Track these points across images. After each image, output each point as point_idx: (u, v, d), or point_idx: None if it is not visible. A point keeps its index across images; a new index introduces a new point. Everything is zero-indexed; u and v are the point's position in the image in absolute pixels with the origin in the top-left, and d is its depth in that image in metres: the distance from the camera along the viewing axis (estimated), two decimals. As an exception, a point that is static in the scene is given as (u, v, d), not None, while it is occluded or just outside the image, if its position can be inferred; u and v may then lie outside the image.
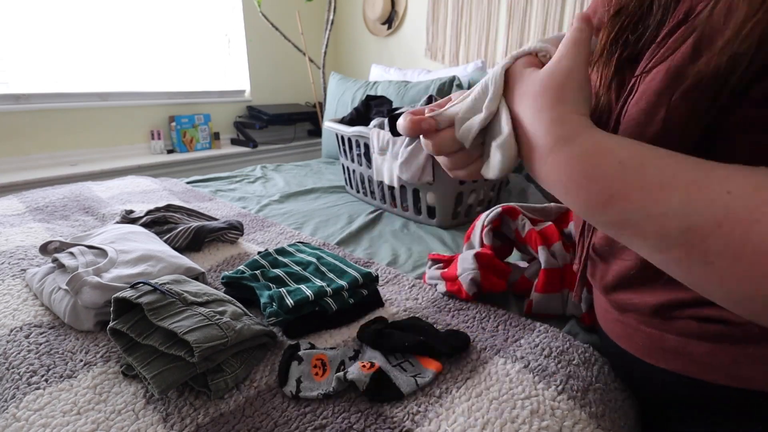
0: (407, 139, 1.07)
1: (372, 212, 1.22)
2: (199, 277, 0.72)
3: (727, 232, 0.25)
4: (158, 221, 0.93)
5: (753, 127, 0.31)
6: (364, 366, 0.52)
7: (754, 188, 0.26)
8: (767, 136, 0.31)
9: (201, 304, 0.56)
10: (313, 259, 0.74)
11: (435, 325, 0.63)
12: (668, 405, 0.51)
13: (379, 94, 1.78)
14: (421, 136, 0.41)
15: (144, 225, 0.90)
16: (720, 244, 0.26)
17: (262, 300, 0.64)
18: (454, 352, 0.56)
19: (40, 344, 0.58)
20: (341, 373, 0.51)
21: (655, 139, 0.35)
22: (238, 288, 0.70)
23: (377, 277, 0.72)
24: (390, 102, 1.44)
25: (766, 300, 0.25)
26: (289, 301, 0.62)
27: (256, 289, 0.67)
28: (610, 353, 0.58)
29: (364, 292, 0.68)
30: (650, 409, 0.55)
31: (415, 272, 0.86)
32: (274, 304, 0.62)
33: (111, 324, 0.55)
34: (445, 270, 0.74)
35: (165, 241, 0.84)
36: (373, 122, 1.21)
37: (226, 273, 0.73)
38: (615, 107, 0.41)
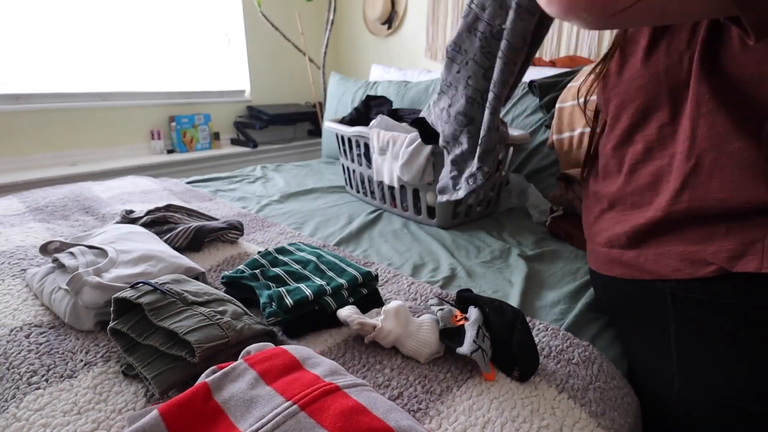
0: (408, 140, 1.07)
1: (372, 212, 1.22)
2: (199, 277, 0.72)
3: None
4: (158, 221, 0.93)
5: None
6: (455, 316, 0.59)
7: None
8: None
9: (201, 304, 0.56)
10: (313, 258, 0.74)
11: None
12: (617, 307, 0.68)
13: (379, 94, 1.78)
14: None
15: (144, 225, 0.90)
16: None
17: (262, 300, 0.64)
18: (521, 378, 0.55)
19: (41, 344, 0.58)
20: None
21: None
22: (238, 287, 0.70)
23: (377, 275, 0.72)
24: (390, 102, 1.44)
25: None
26: (289, 300, 0.62)
27: (256, 289, 0.67)
28: (592, 279, 0.76)
29: (364, 291, 0.68)
30: (613, 317, 0.71)
31: (415, 272, 0.86)
32: (273, 303, 0.62)
33: (111, 324, 0.55)
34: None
35: (165, 241, 0.84)
36: (373, 122, 1.21)
37: (226, 273, 0.73)
38: None
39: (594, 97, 0.74)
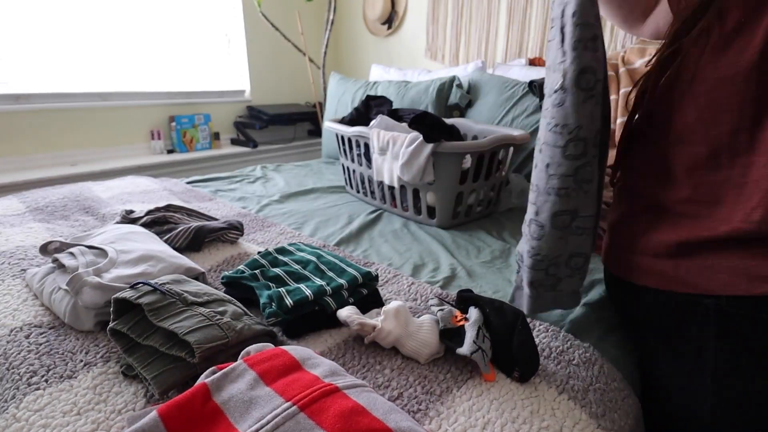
0: (408, 139, 1.07)
1: (372, 212, 1.22)
2: (199, 277, 0.72)
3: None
4: (158, 221, 0.93)
5: None
6: (455, 317, 0.59)
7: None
8: None
9: (201, 304, 0.56)
10: (313, 258, 0.74)
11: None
12: (641, 317, 0.64)
13: (379, 94, 1.78)
14: None
15: (144, 225, 0.90)
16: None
17: (262, 300, 0.64)
18: (521, 378, 0.54)
19: (40, 344, 0.58)
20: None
21: None
22: (238, 288, 0.70)
23: (377, 276, 0.72)
24: (390, 102, 1.44)
25: None
26: (289, 300, 0.62)
27: (256, 289, 0.67)
28: (611, 283, 0.71)
29: (364, 292, 0.68)
30: (632, 325, 0.67)
31: (415, 272, 0.86)
32: (273, 304, 0.62)
33: (111, 324, 0.55)
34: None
35: (165, 241, 0.84)
36: (373, 122, 1.21)
37: (226, 273, 0.73)
38: None
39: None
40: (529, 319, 0.67)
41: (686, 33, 0.52)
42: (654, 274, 0.58)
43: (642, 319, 0.63)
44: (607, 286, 0.74)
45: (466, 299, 0.63)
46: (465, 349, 0.53)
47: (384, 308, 0.59)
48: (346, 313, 0.60)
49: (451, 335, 0.57)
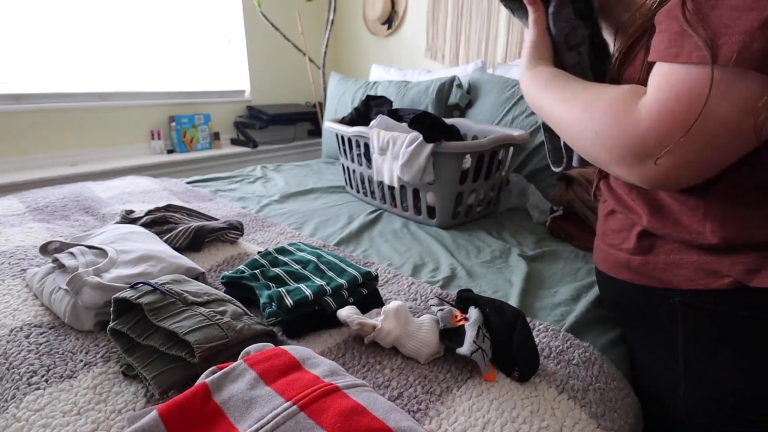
0: (408, 139, 1.07)
1: (372, 212, 1.22)
2: (199, 277, 0.72)
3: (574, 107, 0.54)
4: (158, 221, 0.93)
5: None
6: (455, 317, 0.59)
7: (591, 93, 0.53)
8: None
9: (201, 304, 0.56)
10: (313, 258, 0.74)
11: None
12: (623, 310, 0.68)
13: (379, 94, 1.78)
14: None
15: (144, 225, 0.90)
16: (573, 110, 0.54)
17: (262, 300, 0.64)
18: (521, 378, 0.55)
19: (40, 344, 0.58)
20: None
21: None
22: (238, 287, 0.70)
23: (377, 276, 0.72)
24: (390, 102, 1.44)
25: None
26: (289, 300, 0.62)
27: (256, 289, 0.67)
28: (598, 278, 0.75)
29: (364, 292, 0.68)
30: (617, 318, 0.72)
31: (415, 272, 0.86)
32: (273, 304, 0.62)
33: (111, 324, 0.55)
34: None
35: (165, 241, 0.84)
36: (373, 122, 1.21)
37: (226, 273, 0.73)
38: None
39: None
40: (528, 319, 0.67)
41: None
42: (629, 269, 0.62)
43: (623, 312, 0.68)
44: (597, 283, 0.77)
45: (466, 299, 0.63)
46: (465, 349, 0.53)
47: (384, 308, 0.59)
48: (346, 313, 0.60)
49: (451, 335, 0.57)
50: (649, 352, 0.62)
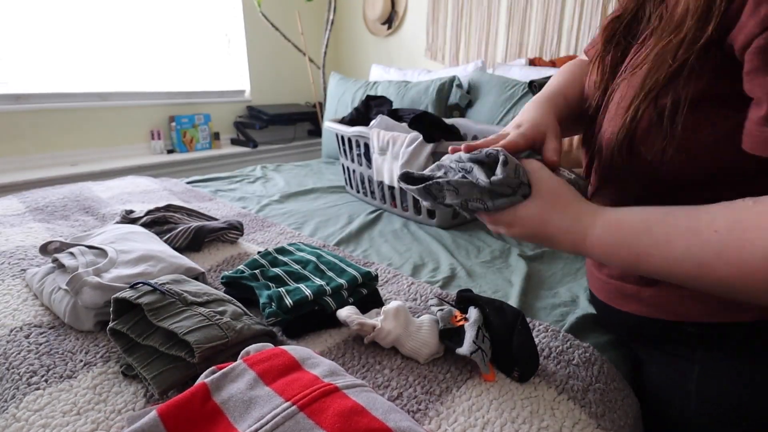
0: (408, 139, 1.07)
1: (372, 212, 1.22)
2: (199, 277, 0.72)
3: (725, 259, 0.36)
4: (158, 221, 0.93)
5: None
6: (455, 317, 0.59)
7: (733, 223, 0.36)
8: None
9: (201, 304, 0.56)
10: (313, 258, 0.74)
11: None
12: (633, 340, 0.64)
13: (379, 94, 1.78)
14: None
15: (144, 225, 0.90)
16: (723, 268, 0.36)
17: (262, 300, 0.64)
18: (521, 378, 0.55)
19: (40, 344, 0.58)
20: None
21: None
22: (238, 287, 0.70)
23: (377, 276, 0.72)
24: (390, 102, 1.44)
25: (760, 288, 0.35)
26: (288, 300, 0.62)
27: (256, 289, 0.67)
28: (596, 305, 0.70)
29: (364, 292, 0.68)
30: (623, 343, 0.67)
31: (415, 272, 0.86)
32: (273, 304, 0.62)
33: (111, 324, 0.55)
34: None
35: (165, 241, 0.84)
36: (373, 122, 1.21)
37: (226, 273, 0.73)
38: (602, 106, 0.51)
39: None
40: (528, 319, 0.67)
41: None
42: (638, 300, 0.57)
43: (630, 335, 0.65)
44: (592, 305, 0.73)
45: (465, 299, 0.63)
46: (465, 349, 0.53)
47: (384, 308, 0.59)
48: (346, 313, 0.60)
49: (450, 335, 0.57)
50: (660, 368, 0.60)
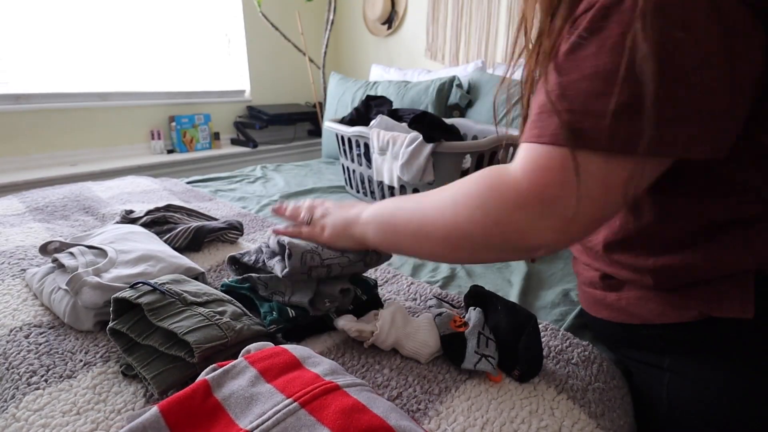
0: (408, 139, 1.07)
1: (372, 212, 1.21)
2: (199, 277, 0.72)
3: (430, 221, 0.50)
4: (158, 221, 0.93)
5: None
6: (454, 321, 0.58)
7: (432, 197, 0.51)
8: None
9: (201, 304, 0.56)
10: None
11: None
12: (613, 342, 0.66)
13: (379, 94, 1.78)
14: None
15: (144, 225, 0.90)
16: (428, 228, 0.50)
17: (262, 310, 0.63)
18: (521, 378, 0.55)
19: (40, 344, 0.58)
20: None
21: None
22: (237, 298, 0.69)
23: (376, 283, 0.71)
24: (390, 102, 1.44)
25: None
26: (291, 311, 0.61)
27: (255, 300, 0.66)
28: (583, 315, 0.71)
29: (364, 298, 0.67)
30: (610, 346, 0.68)
31: (415, 272, 0.86)
32: (274, 312, 0.61)
33: (111, 324, 0.55)
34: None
35: (165, 241, 0.84)
36: (373, 122, 1.21)
37: (226, 281, 0.72)
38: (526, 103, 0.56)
39: None
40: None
41: None
42: (606, 306, 0.60)
43: (611, 341, 0.66)
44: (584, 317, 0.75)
45: (478, 295, 0.63)
46: (468, 363, 0.53)
47: (381, 312, 0.59)
48: (342, 323, 0.59)
49: (451, 342, 0.57)
50: (636, 377, 0.61)
